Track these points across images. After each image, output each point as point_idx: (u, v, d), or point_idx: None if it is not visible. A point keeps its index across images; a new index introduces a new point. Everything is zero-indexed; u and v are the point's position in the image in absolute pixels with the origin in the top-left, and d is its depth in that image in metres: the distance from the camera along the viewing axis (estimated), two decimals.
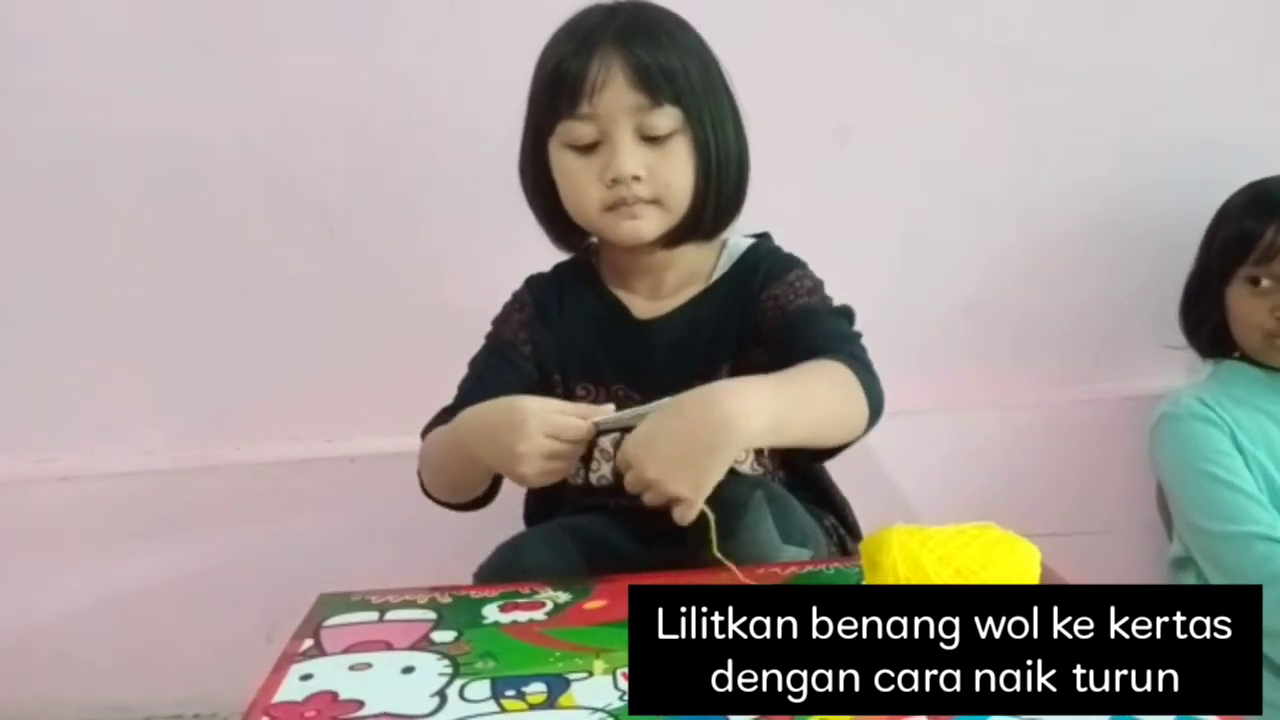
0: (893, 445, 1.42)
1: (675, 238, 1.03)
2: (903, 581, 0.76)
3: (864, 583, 0.81)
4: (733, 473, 1.05)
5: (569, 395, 1.05)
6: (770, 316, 1.02)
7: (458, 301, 1.44)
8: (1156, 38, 1.41)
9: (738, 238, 1.12)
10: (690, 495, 0.82)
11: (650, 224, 1.00)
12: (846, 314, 1.03)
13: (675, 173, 0.99)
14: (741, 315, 1.04)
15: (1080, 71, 1.41)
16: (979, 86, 1.41)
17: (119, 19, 1.43)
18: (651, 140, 0.98)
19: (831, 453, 0.97)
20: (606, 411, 0.89)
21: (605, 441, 1.00)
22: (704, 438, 0.82)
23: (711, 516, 0.84)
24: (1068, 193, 1.43)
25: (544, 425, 0.86)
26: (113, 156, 1.46)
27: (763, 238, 1.12)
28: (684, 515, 0.83)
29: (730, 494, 0.92)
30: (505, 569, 0.97)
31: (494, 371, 1.07)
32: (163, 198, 1.47)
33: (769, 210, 1.28)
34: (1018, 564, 0.78)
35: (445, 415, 1.03)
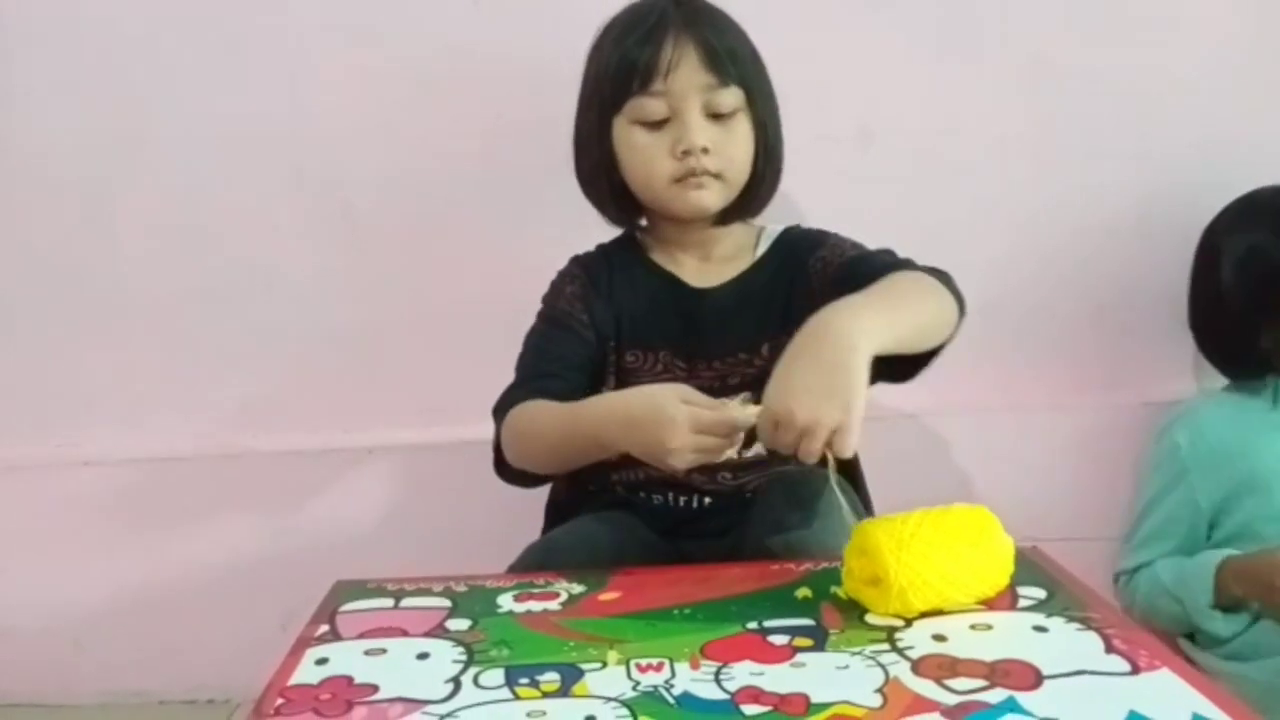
0: (905, 447, 1.43)
1: (729, 213, 1.10)
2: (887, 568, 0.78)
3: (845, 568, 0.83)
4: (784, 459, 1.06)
5: (620, 360, 1.10)
6: (823, 272, 1.08)
7: (476, 297, 1.45)
8: (1176, 42, 1.39)
9: (771, 226, 1.16)
10: (845, 419, 0.80)
11: (714, 195, 1.06)
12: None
13: (738, 147, 1.06)
14: (790, 285, 1.10)
15: (1101, 75, 1.40)
16: (999, 90, 1.41)
17: (148, 17, 1.44)
18: (716, 118, 1.04)
19: (926, 358, 0.97)
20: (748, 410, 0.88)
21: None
22: (830, 359, 0.82)
23: (830, 458, 0.83)
24: (1087, 196, 1.42)
25: (693, 422, 0.86)
26: (139, 152, 1.47)
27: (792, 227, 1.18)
28: (845, 444, 0.81)
29: (805, 484, 0.94)
30: (541, 569, 0.97)
31: (555, 342, 1.10)
32: (188, 192, 1.48)
33: (791, 210, 1.29)
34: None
35: (515, 391, 1.06)
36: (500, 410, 1.06)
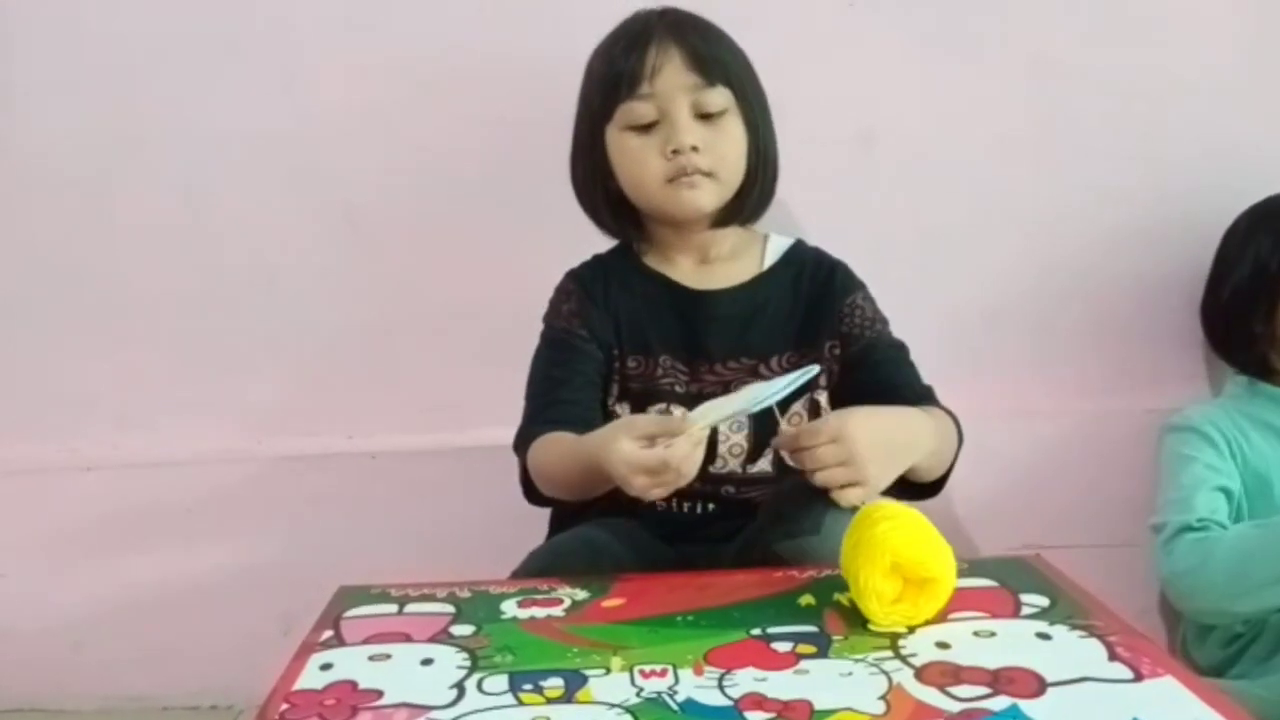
0: None
1: (725, 215, 1.10)
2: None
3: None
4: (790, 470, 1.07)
5: (622, 367, 1.11)
6: (856, 327, 1.10)
7: (479, 300, 1.45)
8: (1182, 44, 1.39)
9: (775, 235, 1.17)
10: (876, 485, 0.89)
11: (707, 194, 1.07)
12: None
13: (730, 146, 1.07)
14: (810, 308, 1.11)
15: (1105, 77, 1.39)
16: (1003, 92, 1.41)
17: (148, 17, 1.44)
18: (706, 118, 1.05)
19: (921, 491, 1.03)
20: (693, 421, 0.89)
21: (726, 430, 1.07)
22: (905, 442, 0.93)
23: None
24: (1091, 200, 1.42)
25: (633, 467, 0.87)
26: (138, 152, 1.47)
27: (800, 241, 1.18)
28: (854, 499, 0.88)
29: (816, 490, 0.94)
30: (544, 574, 0.97)
31: (560, 366, 1.11)
32: (188, 193, 1.48)
33: (793, 213, 1.29)
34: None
35: (530, 426, 1.07)
36: (520, 447, 1.07)
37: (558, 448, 1.02)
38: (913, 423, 0.95)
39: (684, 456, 0.85)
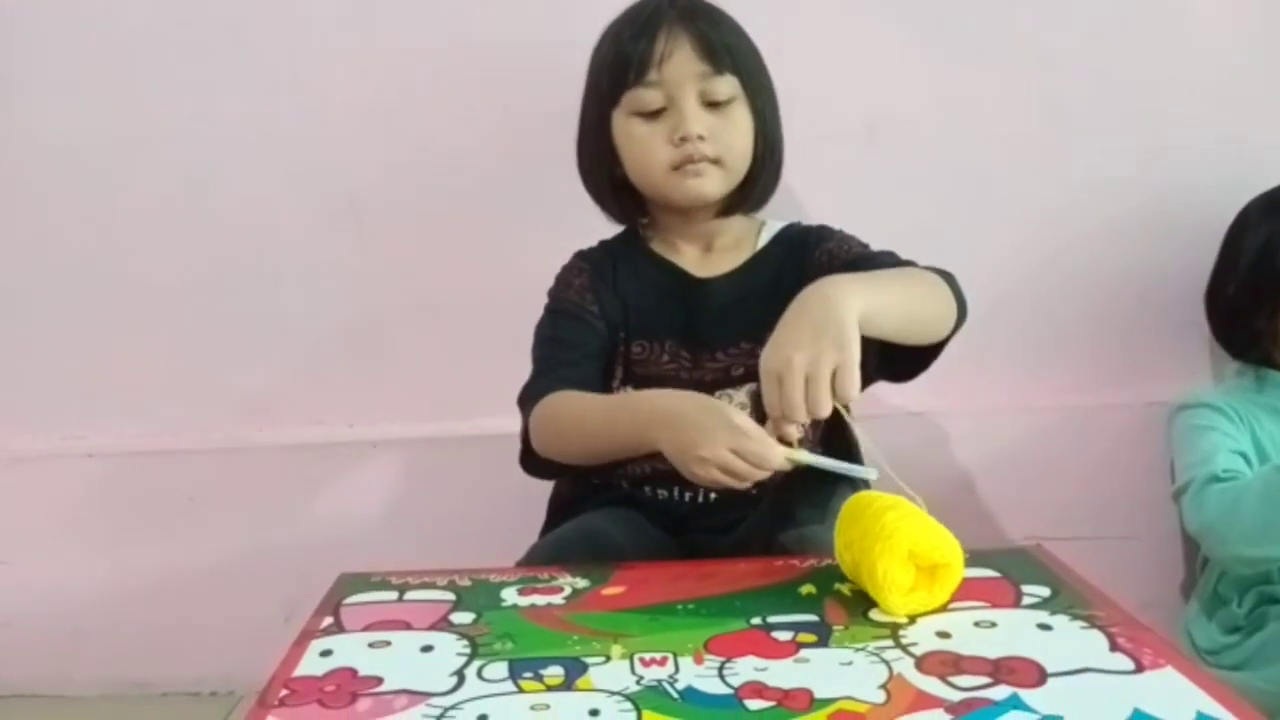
0: (913, 447, 1.42)
1: (730, 204, 1.10)
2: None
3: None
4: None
5: (627, 351, 1.11)
6: (828, 265, 1.07)
7: (481, 291, 1.45)
8: (1185, 38, 1.39)
9: (773, 221, 1.17)
10: (843, 356, 0.83)
11: (713, 182, 1.07)
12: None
13: (736, 135, 1.07)
14: (795, 279, 1.07)
15: (1108, 71, 1.39)
16: (1006, 86, 1.40)
17: (151, 11, 1.44)
18: (713, 106, 1.05)
19: (926, 357, 0.99)
20: (803, 453, 0.89)
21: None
22: (820, 312, 0.85)
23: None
24: (1094, 193, 1.42)
25: (732, 441, 0.86)
26: (143, 144, 1.47)
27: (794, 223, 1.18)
28: (848, 382, 0.83)
29: (818, 479, 0.94)
30: (551, 565, 0.97)
31: (569, 332, 1.10)
32: (192, 184, 1.48)
33: (795, 205, 1.29)
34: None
35: (539, 381, 1.06)
36: (527, 401, 1.06)
37: (586, 402, 1.01)
38: (838, 287, 0.88)
39: (768, 461, 0.86)
